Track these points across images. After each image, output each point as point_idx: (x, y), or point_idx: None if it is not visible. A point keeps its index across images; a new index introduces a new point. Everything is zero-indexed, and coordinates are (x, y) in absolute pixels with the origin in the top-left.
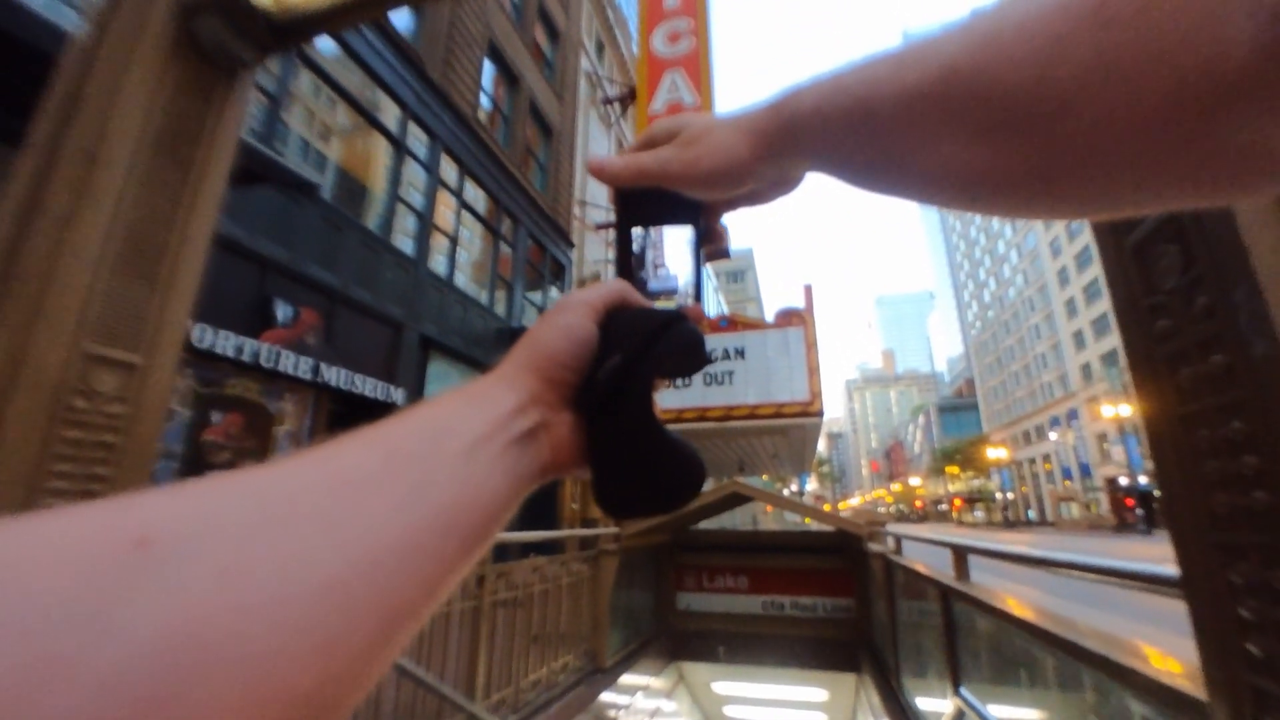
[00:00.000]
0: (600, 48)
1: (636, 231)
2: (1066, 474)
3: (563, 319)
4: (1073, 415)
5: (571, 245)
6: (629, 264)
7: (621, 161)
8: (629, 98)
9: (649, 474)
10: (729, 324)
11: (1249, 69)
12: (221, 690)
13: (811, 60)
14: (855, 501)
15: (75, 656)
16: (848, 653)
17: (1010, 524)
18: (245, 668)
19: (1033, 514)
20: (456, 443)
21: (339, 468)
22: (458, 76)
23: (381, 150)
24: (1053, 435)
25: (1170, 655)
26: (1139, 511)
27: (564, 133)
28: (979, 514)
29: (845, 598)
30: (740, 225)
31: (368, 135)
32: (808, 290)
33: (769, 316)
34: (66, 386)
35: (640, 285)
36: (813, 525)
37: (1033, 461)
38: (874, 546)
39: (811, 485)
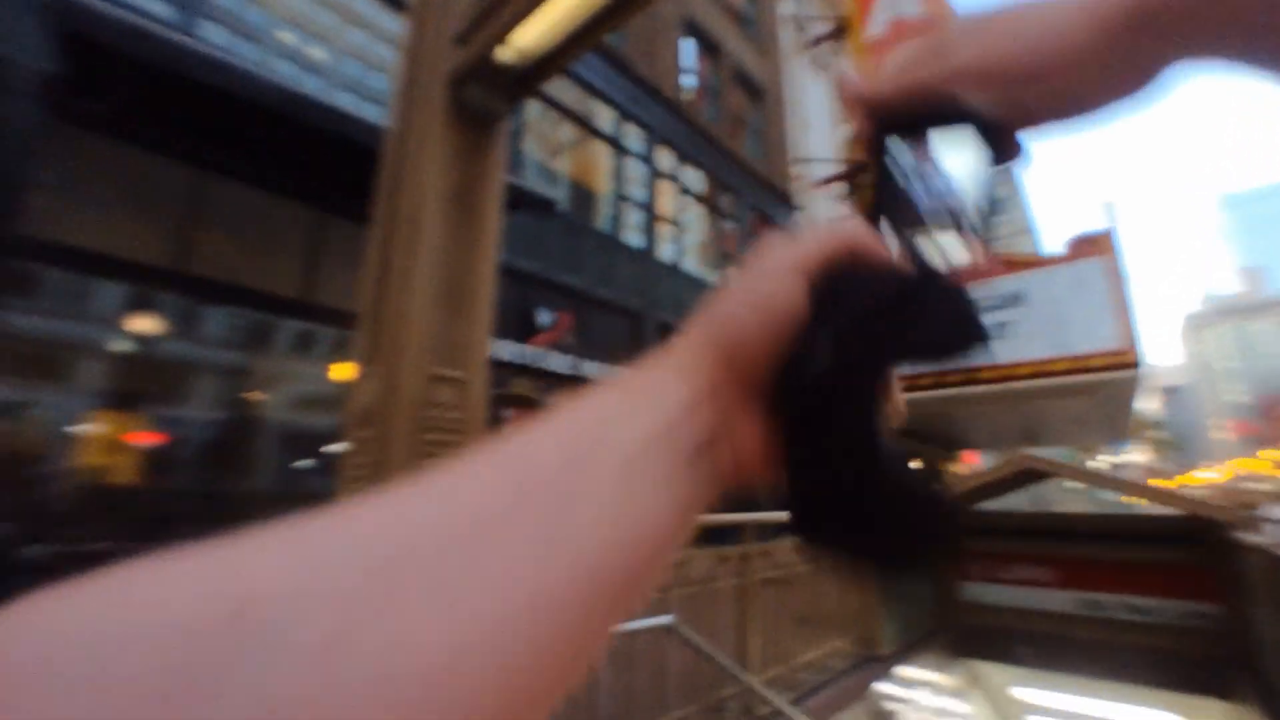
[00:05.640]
0: None
1: (897, 147)
2: None
3: (760, 286)
4: None
5: (796, 208)
6: (884, 193)
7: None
8: (840, 30)
9: (863, 511)
10: (997, 266)
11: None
12: None
13: None
14: (1211, 475)
15: None
16: (1211, 673)
17: None
18: None
19: None
20: (610, 458)
21: (462, 506)
22: (661, 64)
23: (602, 154)
24: None
25: None
26: None
27: (771, 90)
28: None
29: (1202, 602)
30: None
31: (589, 144)
32: (1109, 209)
33: (1053, 249)
34: (422, 401)
35: (909, 208)
36: (1143, 507)
37: None
38: (1248, 537)
39: (1137, 456)
